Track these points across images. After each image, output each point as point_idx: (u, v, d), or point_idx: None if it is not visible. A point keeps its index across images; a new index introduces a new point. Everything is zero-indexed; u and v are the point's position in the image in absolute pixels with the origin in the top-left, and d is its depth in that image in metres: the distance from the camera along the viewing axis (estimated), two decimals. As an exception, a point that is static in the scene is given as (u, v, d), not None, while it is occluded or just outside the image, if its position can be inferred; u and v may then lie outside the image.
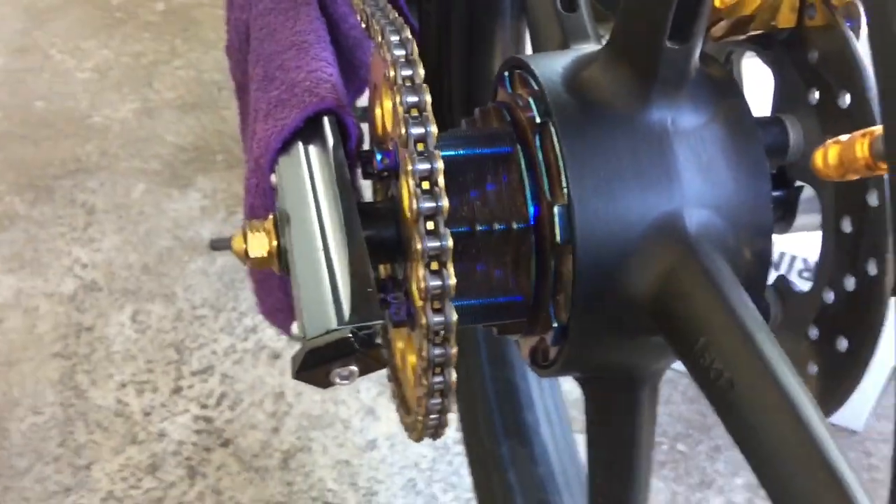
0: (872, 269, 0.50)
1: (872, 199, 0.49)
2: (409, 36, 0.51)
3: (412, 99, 0.47)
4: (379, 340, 0.47)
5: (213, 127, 1.73)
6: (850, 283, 0.51)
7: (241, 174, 1.61)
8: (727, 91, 0.54)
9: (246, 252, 0.54)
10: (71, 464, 1.17)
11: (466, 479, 1.12)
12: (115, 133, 1.71)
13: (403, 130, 0.47)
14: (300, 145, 0.59)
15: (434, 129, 0.47)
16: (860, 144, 0.32)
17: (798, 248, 1.11)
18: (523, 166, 0.53)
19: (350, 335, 0.45)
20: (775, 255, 0.89)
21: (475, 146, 0.55)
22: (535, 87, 0.54)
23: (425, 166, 0.46)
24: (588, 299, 0.51)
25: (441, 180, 0.46)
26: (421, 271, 0.46)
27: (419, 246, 0.46)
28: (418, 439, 0.55)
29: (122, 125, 1.73)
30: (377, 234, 0.54)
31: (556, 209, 0.51)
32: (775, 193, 0.55)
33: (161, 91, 1.82)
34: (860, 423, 1.20)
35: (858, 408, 1.19)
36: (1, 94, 1.80)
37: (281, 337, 1.32)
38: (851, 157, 0.33)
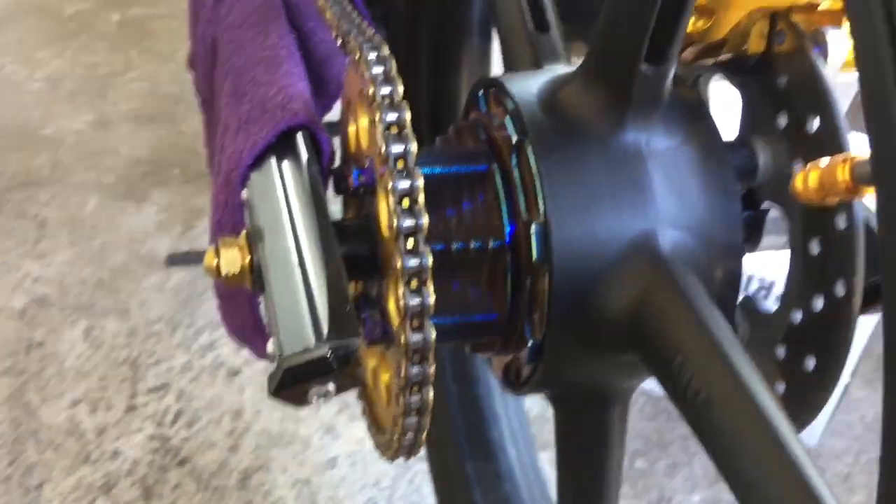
0: (840, 290, 0.51)
1: (840, 222, 0.50)
2: (387, 53, 0.51)
3: (392, 116, 0.47)
4: (355, 358, 0.47)
5: (169, 140, 1.71)
6: (817, 303, 0.52)
7: (198, 189, 1.59)
8: (698, 114, 0.55)
9: (218, 268, 0.53)
10: (21, 484, 1.14)
11: (428, 498, 1.12)
12: (69, 145, 1.68)
13: (384, 148, 0.46)
14: (273, 161, 0.58)
15: (414, 146, 0.47)
16: (841, 169, 0.33)
17: (755, 268, 1.13)
18: (499, 185, 0.53)
19: (328, 353, 0.45)
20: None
21: (451, 164, 0.55)
22: (511, 107, 0.54)
23: (406, 184, 0.46)
24: (564, 317, 0.51)
25: (421, 198, 0.46)
26: (401, 289, 0.46)
27: (399, 264, 0.46)
28: (392, 458, 0.55)
29: (76, 137, 1.70)
30: (351, 252, 0.54)
31: (532, 228, 0.51)
32: (743, 214, 0.56)
33: (116, 103, 1.79)
34: (814, 439, 1.23)
35: (813, 424, 1.21)
36: (-51, 104, 1.76)
37: (239, 354, 1.30)
38: (832, 181, 0.33)
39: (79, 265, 1.43)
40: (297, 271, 0.50)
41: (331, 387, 0.47)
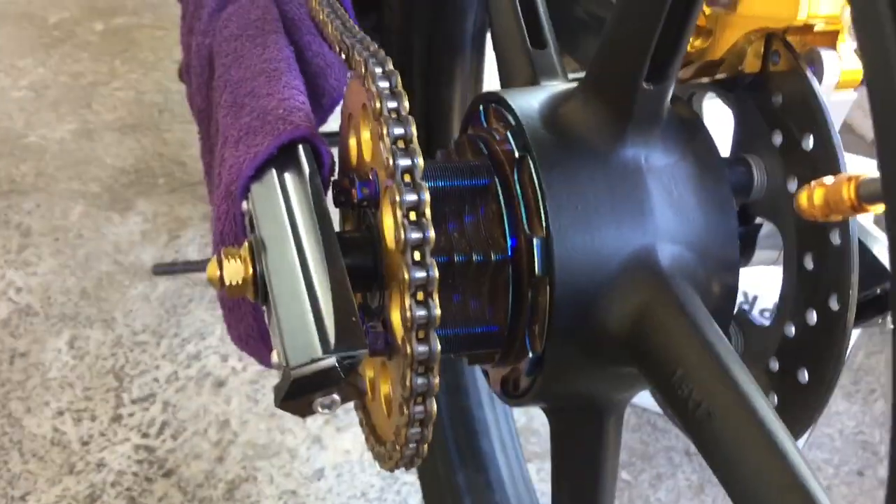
0: (834, 304, 0.52)
1: (835, 238, 0.51)
2: (393, 67, 0.52)
3: (399, 130, 0.48)
4: (359, 369, 0.47)
5: (153, 149, 1.71)
6: (811, 317, 0.53)
7: (183, 198, 1.59)
8: (695, 131, 0.56)
9: (221, 279, 0.53)
10: (5, 494, 1.12)
11: (415, 509, 1.12)
12: (52, 154, 1.67)
13: (391, 161, 0.47)
14: (274, 172, 0.59)
15: (421, 160, 0.47)
16: (846, 187, 0.34)
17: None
18: (501, 199, 0.54)
19: (336, 364, 0.45)
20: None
21: (453, 178, 0.55)
22: (513, 122, 0.55)
23: (413, 197, 0.46)
24: (564, 330, 0.52)
25: (428, 211, 0.47)
26: (406, 301, 0.47)
27: (406, 276, 0.46)
28: (392, 469, 0.55)
29: (60, 146, 1.69)
30: (353, 263, 0.54)
31: (534, 242, 0.52)
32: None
33: (100, 112, 1.79)
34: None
35: (794, 437, 1.22)
36: (-69, 111, 1.75)
37: (225, 364, 1.30)
38: (837, 199, 0.34)
39: (63, 274, 1.42)
40: (302, 282, 0.50)
41: (336, 397, 0.47)
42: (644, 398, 1.25)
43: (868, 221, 0.55)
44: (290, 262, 0.51)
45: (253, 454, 1.19)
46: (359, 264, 0.54)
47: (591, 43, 0.82)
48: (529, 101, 0.55)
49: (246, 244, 0.55)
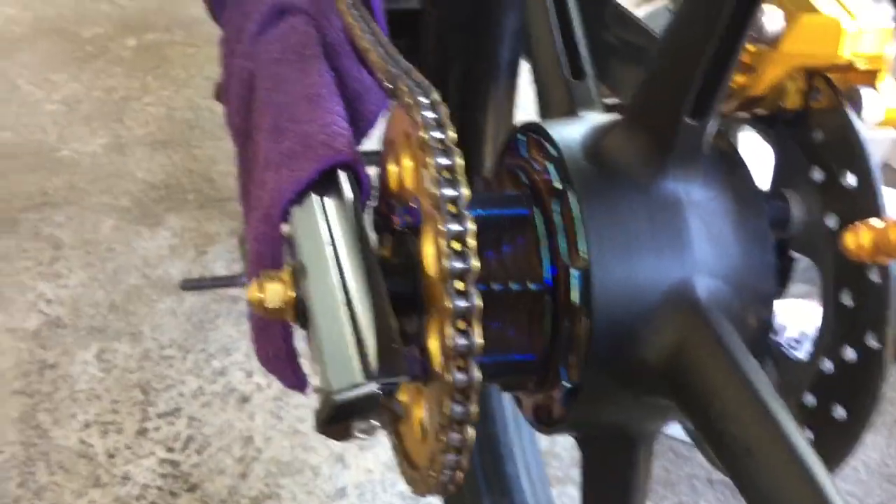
0: (873, 342, 0.52)
1: (874, 276, 0.51)
2: (438, 98, 0.52)
3: (445, 161, 0.48)
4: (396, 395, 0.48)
5: (184, 165, 1.73)
6: (849, 354, 0.53)
7: (212, 214, 1.61)
8: (734, 164, 0.56)
9: (262, 302, 0.54)
10: (31, 506, 1.14)
11: (438, 531, 1.12)
12: (84, 167, 1.69)
13: (436, 191, 0.48)
14: (316, 197, 0.60)
15: (466, 191, 0.48)
16: (894, 230, 0.34)
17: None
18: (540, 229, 0.55)
19: (378, 390, 0.46)
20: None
21: (493, 207, 0.56)
22: (554, 153, 0.55)
23: (457, 227, 0.47)
24: (601, 361, 0.52)
25: (472, 241, 0.47)
26: (448, 329, 0.47)
27: (448, 304, 0.47)
28: (425, 494, 0.56)
29: (92, 160, 1.71)
30: (392, 289, 0.55)
31: (574, 272, 0.52)
32: (774, 263, 0.57)
33: (132, 127, 1.81)
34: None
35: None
36: (-33, 123, 1.78)
37: (250, 380, 1.31)
38: (885, 242, 0.35)
39: (92, 287, 1.44)
40: (344, 307, 0.51)
41: (375, 422, 0.48)
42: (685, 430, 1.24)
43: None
44: (332, 287, 0.52)
45: (276, 471, 1.20)
46: (398, 290, 0.55)
47: (621, 68, 0.83)
48: (571, 133, 0.56)
49: (287, 268, 0.56)
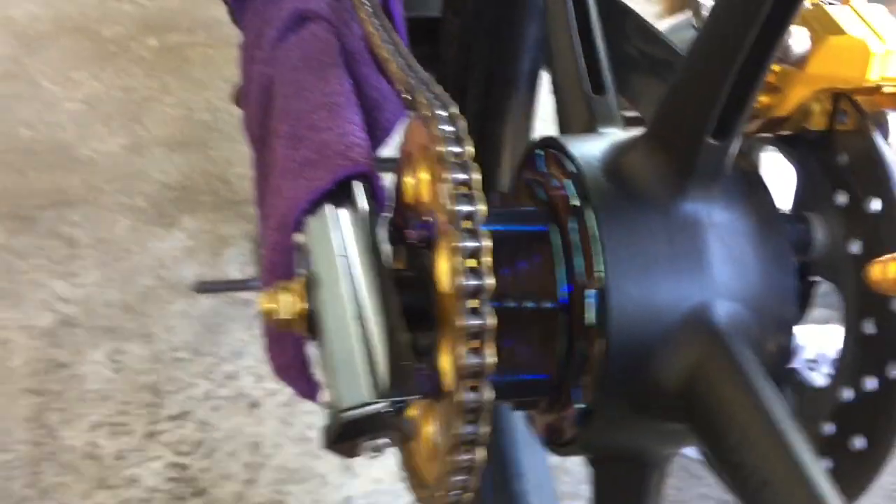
0: (894, 371, 0.51)
1: (897, 305, 0.50)
2: (457, 111, 0.52)
3: (462, 176, 0.48)
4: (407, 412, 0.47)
5: (200, 167, 1.73)
6: (870, 383, 0.52)
7: (227, 217, 1.60)
8: (756, 186, 0.55)
9: (275, 312, 0.53)
10: (38, 506, 1.14)
11: (444, 544, 1.11)
12: (102, 167, 1.69)
13: (452, 207, 0.47)
14: (331, 208, 0.59)
15: (483, 207, 0.47)
16: (924, 264, 0.33)
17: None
18: (557, 246, 0.54)
19: (388, 409, 0.45)
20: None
21: (509, 223, 0.55)
22: (573, 170, 0.54)
23: (473, 244, 0.46)
24: (616, 384, 0.51)
25: (487, 259, 0.47)
26: (460, 348, 0.46)
27: (461, 323, 0.46)
28: (433, 511, 0.55)
29: (110, 159, 1.72)
30: (405, 303, 0.54)
31: (589, 292, 0.51)
32: (794, 287, 0.56)
33: (150, 127, 1.81)
34: None
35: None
36: (-13, 120, 1.79)
37: (260, 385, 1.31)
38: (914, 276, 0.34)
39: (106, 287, 1.44)
40: (356, 321, 0.50)
41: (384, 441, 0.47)
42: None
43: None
44: (344, 300, 0.51)
45: (284, 478, 1.19)
46: (411, 303, 0.54)
47: (642, 81, 0.82)
48: (590, 150, 0.55)
49: (301, 280, 0.55)
